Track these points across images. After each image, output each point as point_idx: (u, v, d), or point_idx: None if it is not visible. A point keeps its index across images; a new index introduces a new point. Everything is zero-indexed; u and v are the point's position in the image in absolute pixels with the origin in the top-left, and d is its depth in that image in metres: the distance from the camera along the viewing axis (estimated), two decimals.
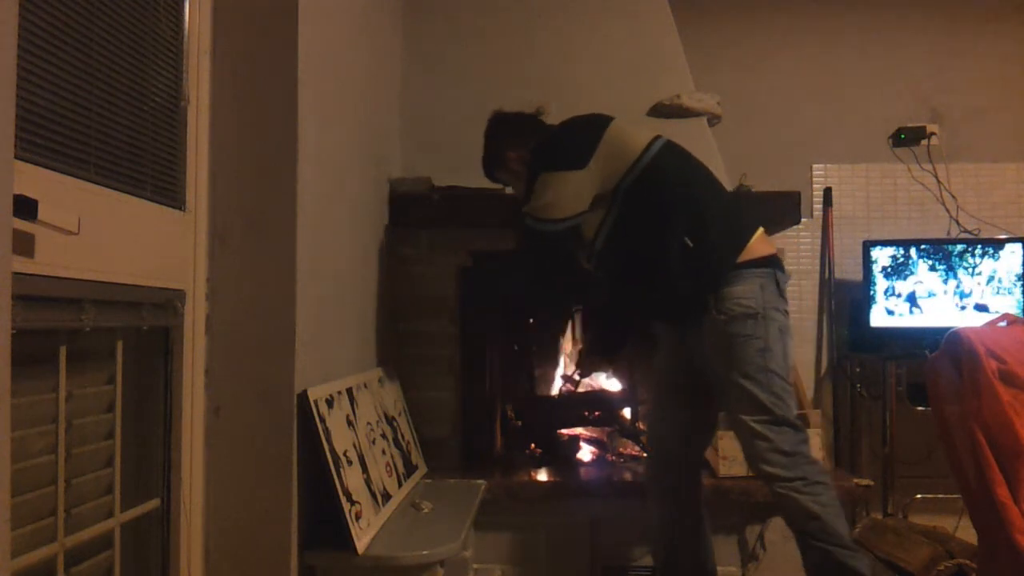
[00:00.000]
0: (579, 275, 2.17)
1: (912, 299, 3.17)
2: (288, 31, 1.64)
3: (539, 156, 2.03)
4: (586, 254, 2.06)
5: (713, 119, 2.94)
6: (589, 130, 2.00)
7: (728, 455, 2.31)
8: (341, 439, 1.77)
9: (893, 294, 3.18)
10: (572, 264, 2.11)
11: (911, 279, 3.17)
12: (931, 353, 2.07)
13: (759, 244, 1.94)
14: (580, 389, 2.91)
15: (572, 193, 1.94)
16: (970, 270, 3.16)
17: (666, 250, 1.90)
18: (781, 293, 1.93)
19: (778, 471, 1.83)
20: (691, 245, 1.89)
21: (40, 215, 1.01)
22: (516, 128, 2.19)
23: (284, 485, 1.60)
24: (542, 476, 2.53)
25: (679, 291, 1.92)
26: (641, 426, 2.84)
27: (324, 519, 1.69)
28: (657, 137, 2.01)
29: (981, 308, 3.09)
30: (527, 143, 2.10)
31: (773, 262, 1.94)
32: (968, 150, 3.48)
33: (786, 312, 1.93)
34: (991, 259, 3.15)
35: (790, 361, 1.93)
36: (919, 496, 3.13)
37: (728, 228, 1.94)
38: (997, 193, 3.48)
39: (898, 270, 3.18)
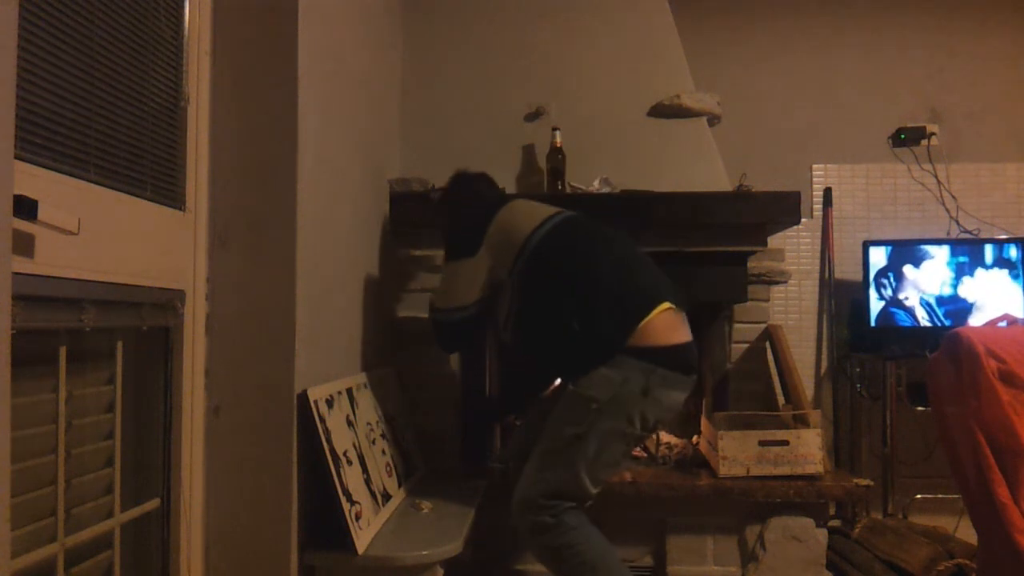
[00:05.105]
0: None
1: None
2: (288, 31, 1.64)
3: (445, 244, 2.13)
4: (503, 337, 2.13)
5: (713, 119, 2.94)
6: (478, 217, 2.05)
7: (728, 455, 2.30)
8: (341, 439, 1.77)
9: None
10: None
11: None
12: (931, 353, 2.07)
13: (656, 329, 1.81)
14: None
15: (464, 281, 2.02)
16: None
17: (556, 332, 1.89)
18: (646, 393, 1.77)
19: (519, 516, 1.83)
20: (577, 328, 1.84)
21: (40, 215, 1.00)
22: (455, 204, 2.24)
23: (284, 485, 1.61)
24: None
25: (565, 367, 1.96)
26: None
27: (324, 519, 1.69)
28: (552, 216, 2.00)
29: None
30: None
31: (659, 356, 1.79)
32: (968, 150, 3.48)
33: (641, 419, 1.79)
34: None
35: (606, 460, 1.81)
36: (919, 496, 3.12)
37: (621, 310, 1.83)
38: (997, 193, 3.47)
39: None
